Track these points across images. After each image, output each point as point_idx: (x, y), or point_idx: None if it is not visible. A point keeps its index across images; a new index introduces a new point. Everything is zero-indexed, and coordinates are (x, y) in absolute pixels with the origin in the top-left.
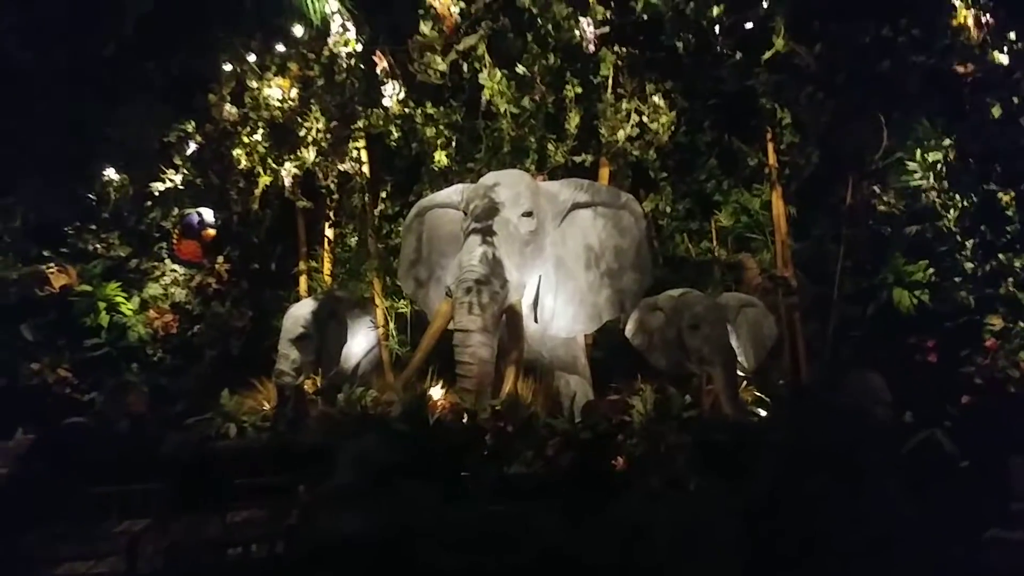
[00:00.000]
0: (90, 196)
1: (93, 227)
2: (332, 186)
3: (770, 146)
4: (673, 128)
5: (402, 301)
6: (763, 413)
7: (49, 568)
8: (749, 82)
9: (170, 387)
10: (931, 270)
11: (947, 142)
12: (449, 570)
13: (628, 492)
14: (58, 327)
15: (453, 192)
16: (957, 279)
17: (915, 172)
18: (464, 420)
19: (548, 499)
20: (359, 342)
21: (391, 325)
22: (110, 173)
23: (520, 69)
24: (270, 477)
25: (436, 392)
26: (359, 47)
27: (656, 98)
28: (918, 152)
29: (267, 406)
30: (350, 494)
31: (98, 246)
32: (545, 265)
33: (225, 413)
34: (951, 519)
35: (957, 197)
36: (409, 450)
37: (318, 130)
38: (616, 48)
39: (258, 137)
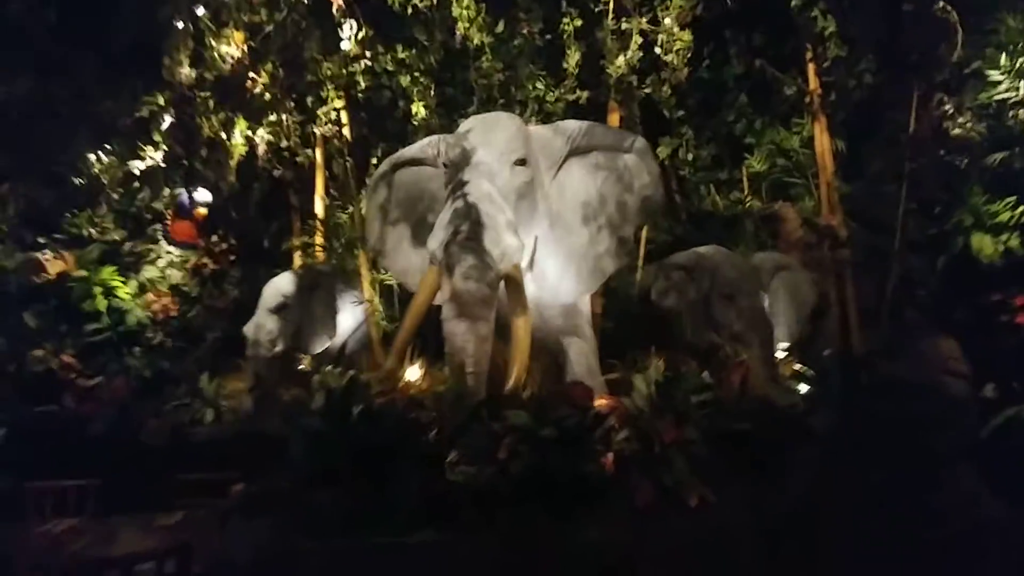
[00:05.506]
0: (77, 180)
1: (87, 211)
2: (311, 152)
3: (811, 68)
4: (691, 56)
5: (389, 273)
6: (804, 390)
7: None
8: None
9: (173, 370)
10: (1020, 208)
11: None
12: None
13: (604, 508)
14: (59, 313)
15: (426, 146)
16: None
17: (999, 83)
18: (406, 414)
19: (493, 518)
20: (345, 319)
21: (376, 300)
22: (95, 156)
23: None
24: (216, 472)
25: (413, 372)
26: None
27: (668, 19)
28: (1002, 57)
29: None
30: (257, 503)
31: (92, 231)
32: (541, 223)
33: (204, 397)
34: None
35: None
36: (326, 452)
37: (265, 84)
38: None
39: (211, 100)
